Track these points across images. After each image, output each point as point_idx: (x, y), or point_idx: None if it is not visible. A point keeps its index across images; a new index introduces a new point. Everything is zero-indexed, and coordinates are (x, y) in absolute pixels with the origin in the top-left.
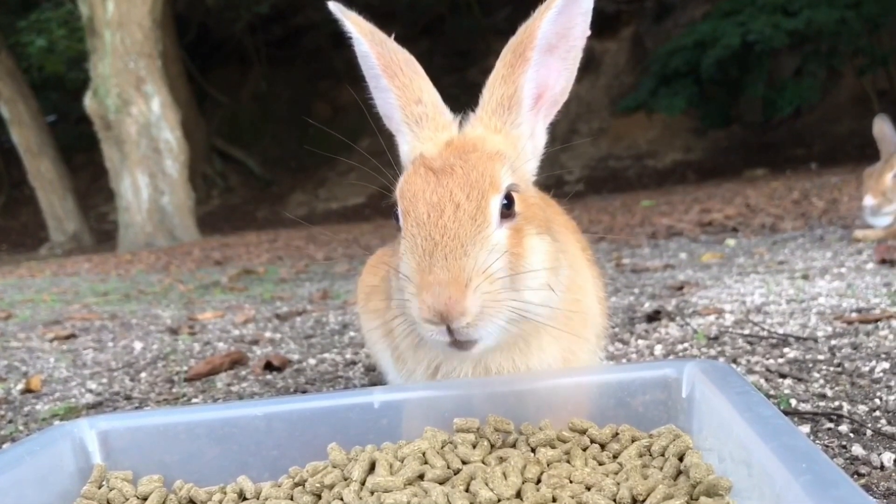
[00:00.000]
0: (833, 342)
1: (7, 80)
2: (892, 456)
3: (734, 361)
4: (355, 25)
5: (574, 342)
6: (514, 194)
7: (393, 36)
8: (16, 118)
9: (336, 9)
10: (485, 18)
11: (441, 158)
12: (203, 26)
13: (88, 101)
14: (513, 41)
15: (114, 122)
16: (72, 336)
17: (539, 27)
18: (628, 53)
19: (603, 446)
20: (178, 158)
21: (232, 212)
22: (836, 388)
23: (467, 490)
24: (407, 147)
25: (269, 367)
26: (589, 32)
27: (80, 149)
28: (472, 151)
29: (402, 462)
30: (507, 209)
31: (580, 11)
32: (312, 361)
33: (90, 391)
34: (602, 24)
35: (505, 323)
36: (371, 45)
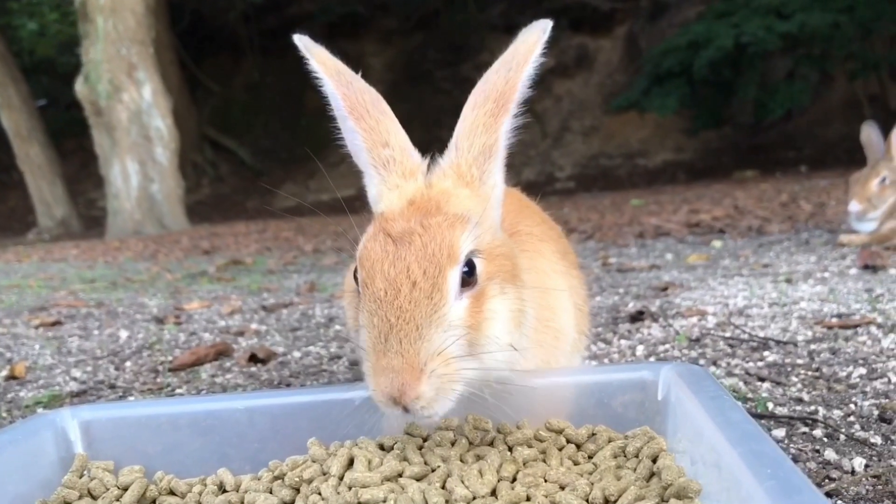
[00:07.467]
0: (812, 346)
1: None
2: (864, 461)
3: (714, 364)
4: (321, 65)
5: (546, 359)
6: (476, 259)
7: (360, 73)
8: (5, 102)
9: (302, 45)
10: (479, 13)
11: (401, 222)
12: (196, 14)
13: (79, 87)
14: (491, 91)
15: (104, 109)
16: (57, 323)
17: (521, 79)
18: (622, 52)
19: (579, 446)
20: (169, 146)
21: (221, 201)
22: (813, 393)
23: (443, 487)
24: (374, 190)
25: (253, 359)
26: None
27: (70, 134)
28: (433, 214)
29: (381, 458)
30: (469, 276)
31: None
32: (297, 354)
33: (74, 379)
34: (596, 22)
35: (462, 390)
36: (337, 85)
